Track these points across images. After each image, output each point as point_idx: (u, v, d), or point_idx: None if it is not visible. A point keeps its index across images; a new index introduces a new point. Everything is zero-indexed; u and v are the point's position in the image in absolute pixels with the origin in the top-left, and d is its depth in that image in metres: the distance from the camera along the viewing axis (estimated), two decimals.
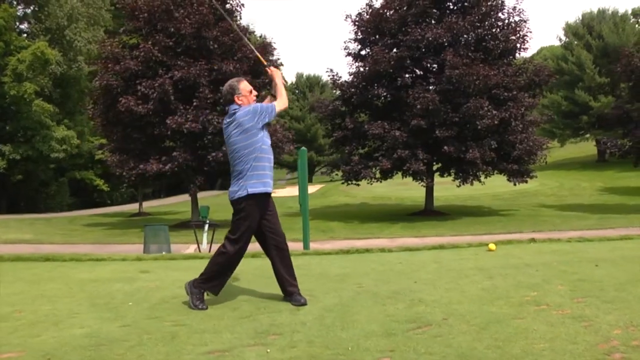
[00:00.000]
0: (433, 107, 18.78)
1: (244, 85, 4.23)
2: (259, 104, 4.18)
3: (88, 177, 35.09)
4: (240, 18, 22.18)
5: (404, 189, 33.83)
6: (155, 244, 11.29)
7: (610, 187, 32.23)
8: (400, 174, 21.66)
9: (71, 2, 30.39)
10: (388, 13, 21.16)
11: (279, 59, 21.17)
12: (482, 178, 21.44)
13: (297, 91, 64.11)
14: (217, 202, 27.90)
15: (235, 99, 4.16)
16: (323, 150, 54.76)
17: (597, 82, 42.81)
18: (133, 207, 31.64)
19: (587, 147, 50.98)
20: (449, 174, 21.41)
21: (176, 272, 6.02)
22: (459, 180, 21.08)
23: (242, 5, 19.62)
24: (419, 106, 18.82)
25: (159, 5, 18.48)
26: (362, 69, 21.85)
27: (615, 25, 43.89)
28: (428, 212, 22.40)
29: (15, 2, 31.87)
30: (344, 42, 23.58)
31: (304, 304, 4.11)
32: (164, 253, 10.75)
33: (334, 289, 4.69)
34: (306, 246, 9.47)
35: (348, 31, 30.25)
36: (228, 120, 4.17)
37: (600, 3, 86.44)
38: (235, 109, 4.13)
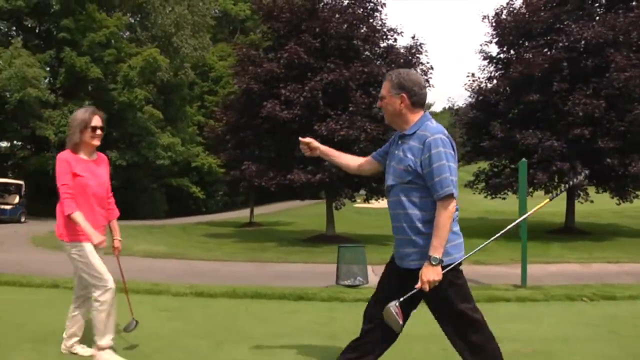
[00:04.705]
0: (599, 114, 17.05)
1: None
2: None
3: (185, 184, 34.79)
4: (385, 16, 20.81)
5: (502, 203, 31.70)
6: (352, 266, 9.98)
7: None
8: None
9: (178, 10, 30.25)
10: (528, 13, 19.56)
11: (428, 61, 19.52)
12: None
13: None
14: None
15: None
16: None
17: None
18: (233, 215, 31.02)
19: None
20: (604, 189, 19.47)
21: None
22: (617, 197, 19.21)
23: (384, 4, 18.37)
24: (581, 113, 17.11)
25: (302, 4, 17.55)
26: (501, 73, 20.42)
27: None
28: (570, 230, 20.50)
29: (122, 12, 32.03)
30: (480, 45, 22.15)
31: None
32: (359, 279, 9.43)
33: None
34: (524, 281, 7.74)
35: (484, 33, 28.95)
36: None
37: None
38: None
